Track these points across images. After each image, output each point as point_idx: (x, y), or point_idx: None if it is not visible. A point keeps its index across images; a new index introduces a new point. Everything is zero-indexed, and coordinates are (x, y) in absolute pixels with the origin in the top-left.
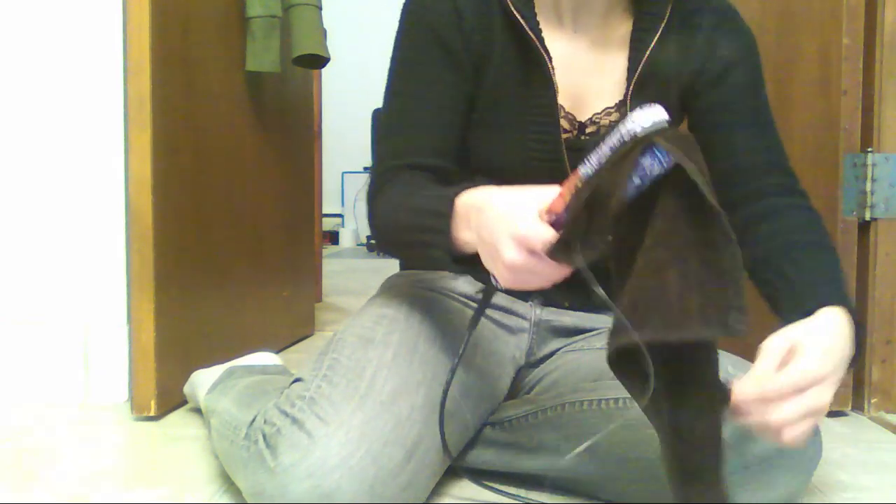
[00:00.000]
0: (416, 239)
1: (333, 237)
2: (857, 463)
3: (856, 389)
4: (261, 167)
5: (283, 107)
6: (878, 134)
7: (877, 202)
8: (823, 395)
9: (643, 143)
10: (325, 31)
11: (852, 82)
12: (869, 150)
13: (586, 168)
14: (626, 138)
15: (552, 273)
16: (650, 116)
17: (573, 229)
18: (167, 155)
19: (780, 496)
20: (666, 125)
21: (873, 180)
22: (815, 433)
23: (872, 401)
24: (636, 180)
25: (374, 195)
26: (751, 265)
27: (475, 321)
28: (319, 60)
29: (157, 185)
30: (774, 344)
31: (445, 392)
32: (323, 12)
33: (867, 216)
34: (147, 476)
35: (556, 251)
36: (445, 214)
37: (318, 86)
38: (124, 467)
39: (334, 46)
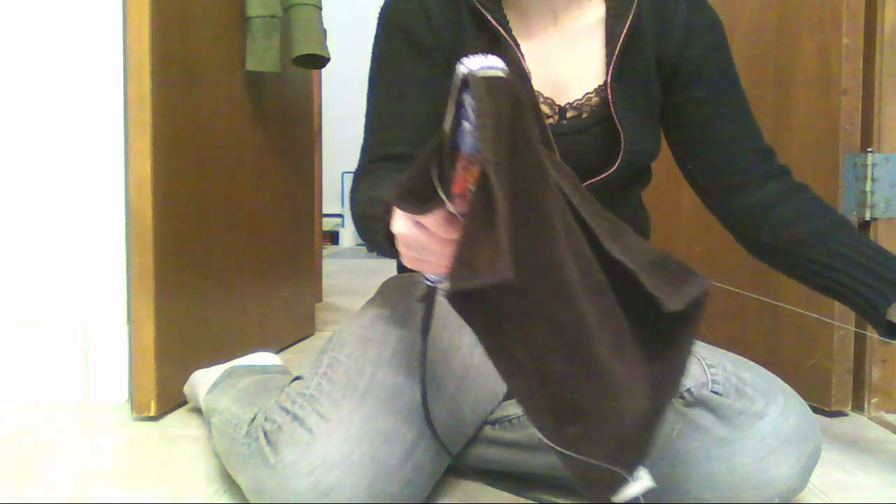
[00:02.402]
0: (367, 226)
1: (333, 237)
2: (857, 463)
3: (856, 389)
4: (261, 167)
5: (283, 107)
6: (878, 134)
7: (877, 202)
8: None
9: (462, 86)
10: (325, 31)
11: (852, 82)
12: (869, 150)
13: (445, 123)
14: (457, 84)
15: (441, 248)
16: (479, 62)
17: (413, 180)
18: (167, 155)
19: (789, 469)
20: (499, 73)
21: (873, 180)
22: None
23: (872, 401)
24: (466, 124)
25: (353, 190)
26: (786, 248)
27: (426, 324)
28: (319, 60)
29: (157, 185)
30: None
31: (423, 381)
32: (323, 12)
33: (867, 216)
34: (147, 476)
35: (400, 201)
36: (388, 202)
37: (318, 86)
38: (124, 467)
39: (334, 46)
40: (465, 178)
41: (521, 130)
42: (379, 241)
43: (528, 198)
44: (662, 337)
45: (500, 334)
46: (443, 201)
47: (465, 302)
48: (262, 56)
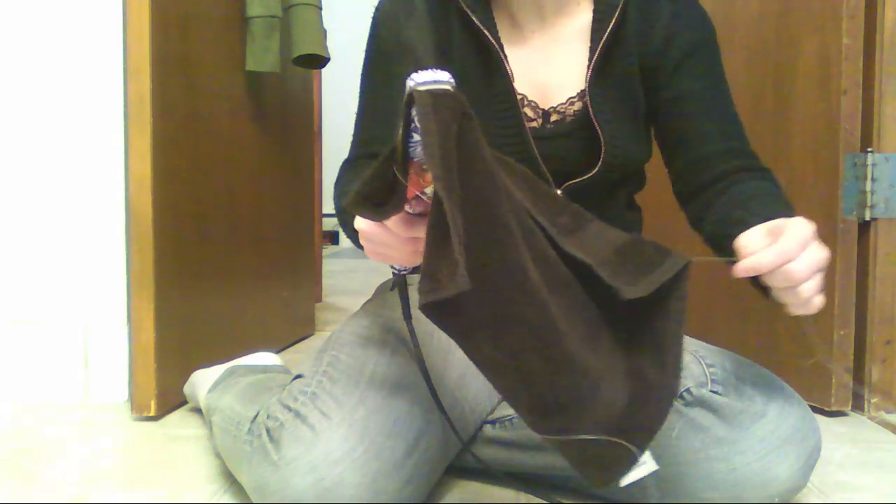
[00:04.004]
0: (342, 219)
1: (333, 237)
2: (857, 463)
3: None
4: (261, 167)
5: (283, 107)
6: (878, 134)
7: (877, 202)
8: (822, 251)
9: (409, 100)
10: (325, 31)
11: (852, 82)
12: (869, 150)
13: (396, 134)
14: (405, 98)
15: (401, 245)
16: (427, 76)
17: (368, 185)
18: (167, 155)
19: (789, 468)
20: (447, 87)
21: (873, 180)
22: (810, 416)
23: (872, 401)
24: (416, 135)
25: (336, 183)
26: (712, 229)
27: (406, 310)
28: (319, 60)
29: (157, 185)
30: (754, 233)
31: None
32: (323, 12)
33: (867, 216)
34: (147, 476)
35: (357, 207)
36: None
37: (318, 86)
38: (124, 467)
39: (334, 46)
40: (418, 183)
41: (469, 144)
42: (350, 233)
43: (483, 208)
44: (639, 323)
45: (475, 339)
46: (399, 206)
47: (437, 312)
48: (262, 56)
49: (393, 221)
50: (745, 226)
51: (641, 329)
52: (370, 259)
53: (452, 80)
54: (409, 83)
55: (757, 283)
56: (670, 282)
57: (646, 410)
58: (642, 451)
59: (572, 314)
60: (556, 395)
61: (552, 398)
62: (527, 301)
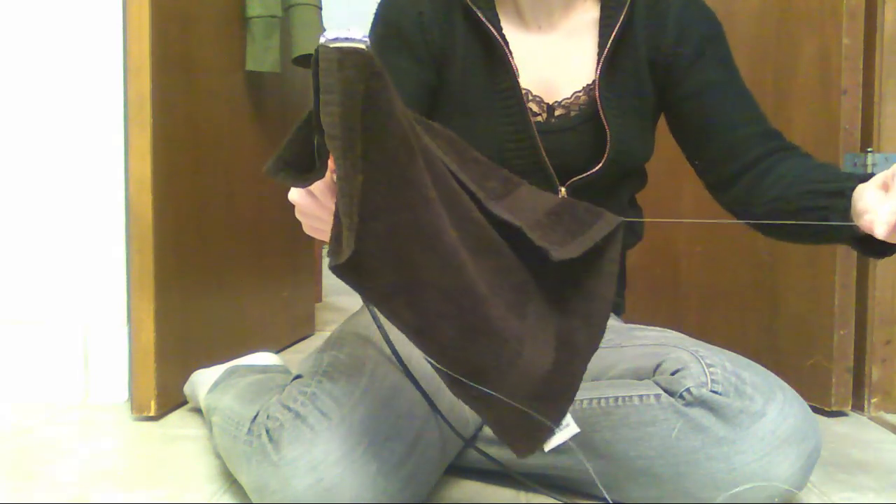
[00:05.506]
0: None
1: None
2: (857, 463)
3: (856, 389)
4: (261, 167)
5: (283, 107)
6: (878, 134)
7: None
8: None
9: (316, 56)
10: (325, 31)
11: (852, 82)
12: (869, 150)
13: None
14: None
15: (328, 216)
16: (339, 33)
17: (289, 151)
18: (167, 155)
19: (789, 468)
20: (359, 46)
21: None
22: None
23: (872, 401)
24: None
25: None
26: (769, 207)
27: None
28: None
29: (157, 185)
30: (869, 192)
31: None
32: (323, 12)
33: None
34: (147, 476)
35: (276, 173)
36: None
37: None
38: (124, 467)
39: None
40: None
41: (380, 104)
42: None
43: (394, 170)
44: (571, 285)
45: (392, 304)
46: (321, 172)
47: (349, 276)
48: (262, 56)
49: (321, 192)
50: (844, 192)
51: (573, 292)
52: (305, 230)
53: (367, 40)
54: (320, 39)
55: (868, 245)
56: (603, 243)
57: (569, 376)
58: (563, 415)
59: (498, 278)
60: (474, 362)
61: (471, 364)
62: (440, 265)
